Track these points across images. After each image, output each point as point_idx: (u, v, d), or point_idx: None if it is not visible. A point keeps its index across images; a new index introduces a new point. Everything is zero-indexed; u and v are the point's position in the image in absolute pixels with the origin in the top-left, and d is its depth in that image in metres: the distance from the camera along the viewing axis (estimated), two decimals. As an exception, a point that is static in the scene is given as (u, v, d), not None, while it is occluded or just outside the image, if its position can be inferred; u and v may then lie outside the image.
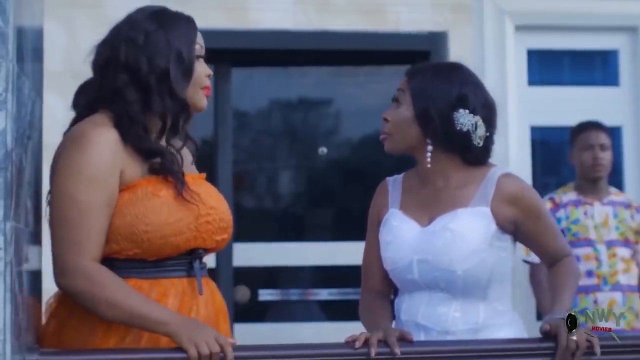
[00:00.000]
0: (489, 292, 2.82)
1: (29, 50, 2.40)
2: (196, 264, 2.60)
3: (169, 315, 2.45)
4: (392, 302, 2.93)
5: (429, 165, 2.83)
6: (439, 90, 2.82)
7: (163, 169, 2.55)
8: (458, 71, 2.89)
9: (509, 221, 2.81)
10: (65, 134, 2.62)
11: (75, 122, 2.63)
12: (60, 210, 2.48)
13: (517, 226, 2.82)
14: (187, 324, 2.43)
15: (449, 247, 2.76)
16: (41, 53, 2.68)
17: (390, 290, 2.94)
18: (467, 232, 2.77)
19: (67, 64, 4.93)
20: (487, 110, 2.85)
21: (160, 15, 2.65)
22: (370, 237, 2.96)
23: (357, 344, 2.54)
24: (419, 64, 2.93)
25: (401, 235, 2.84)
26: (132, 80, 2.57)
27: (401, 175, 2.97)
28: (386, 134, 2.86)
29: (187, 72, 2.62)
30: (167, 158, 2.56)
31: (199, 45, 2.66)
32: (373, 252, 2.92)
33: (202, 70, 2.66)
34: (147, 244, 2.52)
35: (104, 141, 2.49)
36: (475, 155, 2.83)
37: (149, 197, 2.52)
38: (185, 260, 2.59)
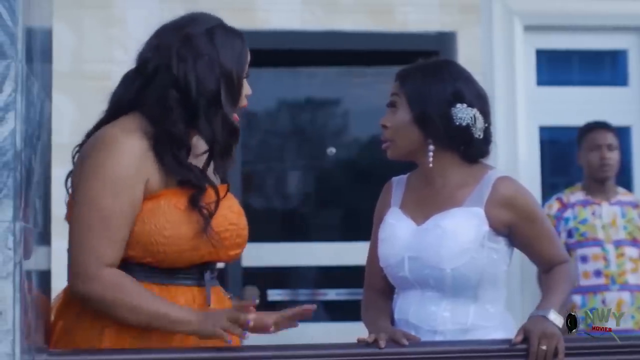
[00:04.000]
0: (480, 293, 2.81)
1: (38, 50, 2.40)
2: (207, 275, 2.60)
3: (189, 314, 2.46)
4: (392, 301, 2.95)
5: (430, 165, 2.83)
6: (433, 91, 2.82)
7: (194, 201, 2.51)
8: (448, 67, 2.90)
9: (502, 224, 2.80)
10: (90, 133, 2.59)
11: (106, 119, 2.60)
12: (83, 215, 2.46)
13: (512, 229, 2.82)
14: (206, 319, 2.45)
15: (438, 244, 2.77)
16: (50, 54, 2.68)
17: (391, 289, 2.95)
18: (457, 230, 2.77)
19: (76, 65, 4.94)
20: (482, 102, 2.86)
21: (215, 33, 2.58)
22: (373, 237, 2.97)
23: (369, 340, 2.56)
24: (408, 65, 2.91)
25: (395, 232, 2.85)
26: (182, 98, 2.53)
27: (407, 175, 2.98)
28: (388, 141, 2.87)
29: (236, 98, 2.59)
30: (201, 193, 2.52)
31: (247, 65, 2.63)
32: (375, 252, 2.94)
33: (245, 91, 2.64)
34: (163, 255, 2.51)
35: (133, 149, 2.47)
36: (477, 148, 2.85)
37: (170, 210, 2.50)
38: (196, 270, 2.58)
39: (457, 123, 2.80)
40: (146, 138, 2.50)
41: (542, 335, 2.58)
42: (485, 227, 2.78)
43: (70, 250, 2.49)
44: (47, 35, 2.63)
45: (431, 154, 2.83)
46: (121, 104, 2.59)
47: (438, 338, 2.78)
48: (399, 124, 2.84)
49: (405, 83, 2.86)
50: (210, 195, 2.54)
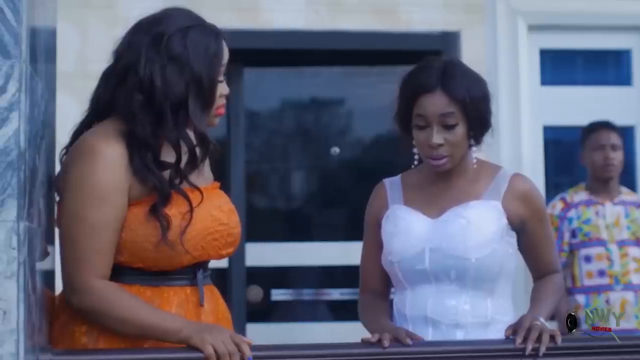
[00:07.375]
0: (496, 286, 2.83)
1: (42, 50, 2.41)
2: (199, 274, 2.58)
3: (181, 322, 2.43)
4: (390, 302, 2.94)
5: (475, 166, 2.85)
6: (480, 91, 2.81)
7: (153, 209, 2.46)
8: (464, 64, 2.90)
9: (518, 218, 2.83)
10: (76, 132, 2.58)
11: (87, 120, 2.59)
12: (70, 228, 2.45)
13: (523, 226, 2.85)
14: (200, 327, 2.43)
15: (464, 234, 2.77)
16: (54, 53, 2.68)
17: (388, 291, 2.95)
18: (481, 221, 2.79)
19: (80, 65, 4.95)
20: None
21: (189, 34, 2.49)
22: (368, 239, 2.96)
23: (373, 340, 2.55)
24: (431, 77, 2.78)
25: (409, 225, 2.84)
26: (147, 101, 2.46)
27: (398, 176, 2.97)
28: (447, 156, 2.79)
29: (208, 103, 2.51)
30: (163, 202, 2.46)
31: (223, 67, 2.55)
32: (372, 254, 2.93)
33: (220, 92, 2.55)
34: (152, 261, 2.50)
35: (113, 158, 2.43)
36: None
37: (157, 215, 2.47)
38: (188, 270, 2.56)
39: (491, 118, 2.84)
40: (125, 143, 2.46)
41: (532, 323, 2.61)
42: (504, 220, 2.81)
43: (61, 262, 2.47)
44: (51, 35, 2.63)
45: (474, 155, 2.85)
46: (99, 102, 2.56)
47: (459, 332, 2.79)
48: (459, 138, 2.79)
49: (454, 94, 2.76)
50: (182, 202, 2.49)
